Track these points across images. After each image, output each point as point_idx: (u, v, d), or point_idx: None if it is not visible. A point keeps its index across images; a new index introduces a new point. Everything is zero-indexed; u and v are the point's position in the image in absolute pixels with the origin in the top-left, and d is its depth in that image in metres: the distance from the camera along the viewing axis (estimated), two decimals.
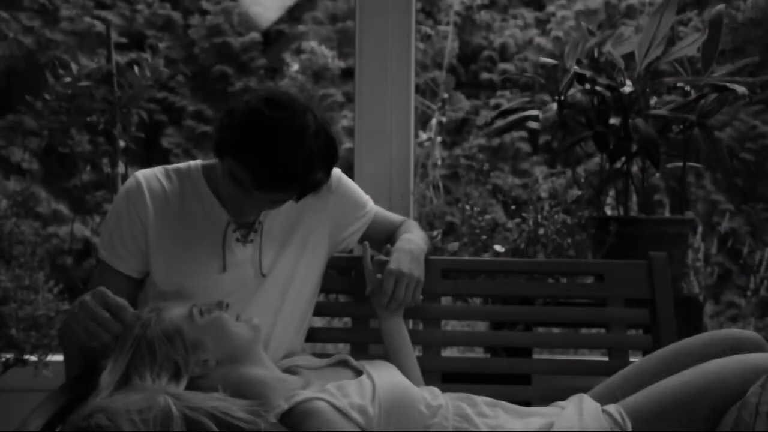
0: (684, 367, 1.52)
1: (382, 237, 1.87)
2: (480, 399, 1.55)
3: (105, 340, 1.42)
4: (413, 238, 1.79)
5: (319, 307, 1.82)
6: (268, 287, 1.67)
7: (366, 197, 1.86)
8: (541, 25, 5.93)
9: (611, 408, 1.49)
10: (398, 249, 1.74)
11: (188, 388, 1.38)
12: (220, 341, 1.45)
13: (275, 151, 1.50)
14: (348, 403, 1.41)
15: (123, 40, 5.40)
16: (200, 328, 1.45)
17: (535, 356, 2.13)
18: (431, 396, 1.52)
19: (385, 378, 1.50)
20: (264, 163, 1.50)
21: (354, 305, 1.89)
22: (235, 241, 1.67)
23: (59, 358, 1.70)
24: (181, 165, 1.73)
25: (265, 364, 1.51)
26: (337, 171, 1.80)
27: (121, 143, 2.35)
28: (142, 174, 1.69)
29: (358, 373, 1.57)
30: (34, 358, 2.13)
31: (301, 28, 5.96)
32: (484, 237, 2.18)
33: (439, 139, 5.12)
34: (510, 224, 2.22)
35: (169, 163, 1.76)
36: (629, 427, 1.44)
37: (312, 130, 1.54)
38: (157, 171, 1.70)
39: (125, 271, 1.66)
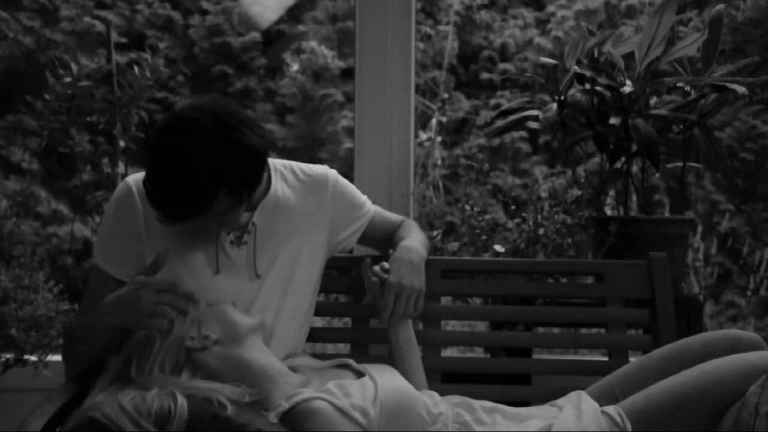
0: (683, 367, 1.52)
1: (382, 237, 1.87)
2: (479, 405, 1.54)
3: (171, 317, 1.41)
4: (413, 246, 1.76)
5: (319, 307, 1.82)
6: (266, 289, 1.66)
7: (363, 198, 1.86)
8: (541, 25, 5.93)
9: (610, 409, 1.49)
10: (398, 259, 1.71)
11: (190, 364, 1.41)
12: (222, 323, 1.47)
13: (158, 187, 1.49)
14: (349, 403, 1.40)
15: (123, 40, 5.40)
16: (202, 312, 1.47)
17: (535, 356, 2.13)
18: (432, 402, 1.51)
19: (388, 381, 1.50)
20: (152, 203, 1.51)
21: (354, 305, 1.89)
22: (228, 244, 1.66)
23: (59, 358, 1.70)
24: None
25: (268, 355, 1.52)
26: (333, 173, 1.79)
27: (121, 143, 2.35)
28: (132, 179, 1.68)
29: (360, 375, 1.56)
30: (34, 358, 2.13)
31: (301, 28, 5.95)
32: (484, 237, 2.18)
33: (439, 139, 5.12)
34: (510, 224, 2.22)
35: None
36: (629, 428, 1.44)
37: (198, 146, 1.47)
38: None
39: (122, 277, 1.64)
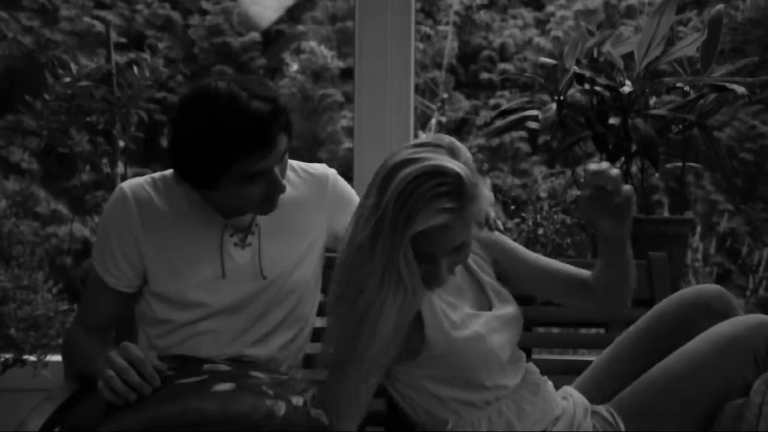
0: (663, 335, 1.55)
1: None
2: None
3: (131, 400, 1.38)
4: None
5: (319, 307, 1.81)
6: (273, 290, 1.64)
7: None
8: (541, 25, 5.94)
9: (601, 408, 1.50)
10: None
11: None
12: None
13: (247, 119, 1.45)
14: None
15: (123, 40, 5.40)
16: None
17: (535, 356, 2.13)
18: (504, 376, 1.50)
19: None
20: (258, 139, 1.47)
21: None
22: (233, 246, 1.63)
23: (58, 358, 1.70)
24: (167, 172, 1.66)
25: None
26: (332, 171, 1.79)
27: (121, 143, 2.35)
28: (128, 185, 1.63)
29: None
30: (33, 358, 2.13)
31: (300, 28, 5.96)
32: None
33: None
34: (510, 224, 2.22)
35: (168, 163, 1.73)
36: (622, 427, 1.44)
37: (227, 97, 1.46)
38: (144, 180, 1.64)
39: (118, 287, 1.62)
